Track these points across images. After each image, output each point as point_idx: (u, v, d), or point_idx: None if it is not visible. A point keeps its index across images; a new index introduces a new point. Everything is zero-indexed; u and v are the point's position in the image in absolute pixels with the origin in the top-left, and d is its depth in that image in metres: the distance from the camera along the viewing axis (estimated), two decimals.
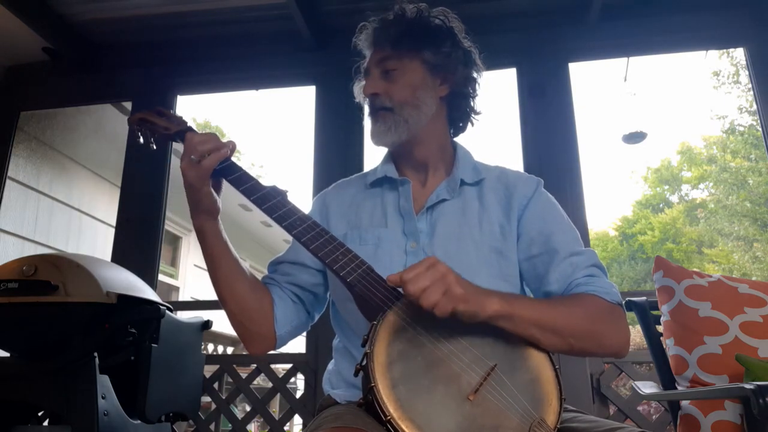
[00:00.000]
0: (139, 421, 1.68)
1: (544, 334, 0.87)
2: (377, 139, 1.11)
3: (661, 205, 20.36)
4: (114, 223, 2.66)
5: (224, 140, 0.99)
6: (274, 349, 1.11)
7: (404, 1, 1.14)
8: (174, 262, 6.57)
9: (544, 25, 2.53)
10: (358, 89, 1.18)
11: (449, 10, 1.16)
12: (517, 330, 0.86)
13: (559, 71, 2.48)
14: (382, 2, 1.17)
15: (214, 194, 0.98)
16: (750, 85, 2.78)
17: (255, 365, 2.40)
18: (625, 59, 3.45)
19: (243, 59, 2.75)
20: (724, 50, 13.41)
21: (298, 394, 2.30)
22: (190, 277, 6.58)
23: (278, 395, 2.97)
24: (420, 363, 0.81)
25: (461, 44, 1.14)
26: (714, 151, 17.38)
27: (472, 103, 1.18)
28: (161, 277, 5.13)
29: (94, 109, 3.58)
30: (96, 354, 1.58)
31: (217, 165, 0.97)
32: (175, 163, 2.70)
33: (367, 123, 1.13)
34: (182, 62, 2.78)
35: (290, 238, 1.01)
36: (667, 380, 1.40)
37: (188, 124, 1.09)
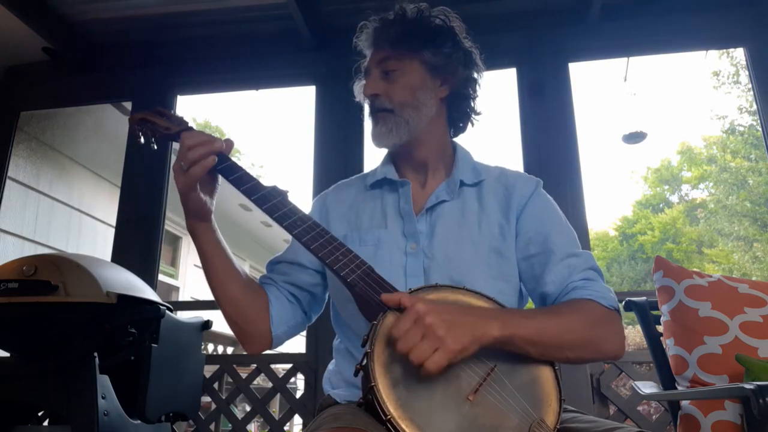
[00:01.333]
0: (139, 421, 1.68)
1: (542, 351, 0.86)
2: (378, 141, 1.11)
3: (661, 205, 20.36)
4: (114, 223, 2.66)
5: (224, 140, 0.99)
6: (271, 348, 1.11)
7: (405, 1, 1.14)
8: (174, 262, 6.57)
9: (544, 25, 2.53)
10: (358, 89, 1.18)
11: (450, 10, 1.15)
12: (515, 350, 0.85)
13: (559, 71, 2.48)
14: (383, 2, 1.17)
15: (203, 198, 0.97)
16: (750, 85, 2.78)
17: (255, 365, 2.40)
18: (625, 59, 3.45)
19: (243, 59, 2.75)
20: (724, 50, 13.41)
21: (298, 394, 2.30)
22: (190, 277, 6.58)
23: (278, 395, 2.97)
24: None
25: (462, 45, 1.14)
26: (714, 151, 17.38)
27: (472, 104, 1.18)
28: (161, 277, 5.14)
29: (94, 109, 3.58)
30: (96, 354, 1.58)
31: (218, 164, 0.97)
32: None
33: (368, 123, 1.13)
34: (182, 62, 2.78)
35: (290, 238, 1.01)
36: (667, 380, 1.40)
37: (188, 124, 1.09)
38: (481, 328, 0.80)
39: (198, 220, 0.99)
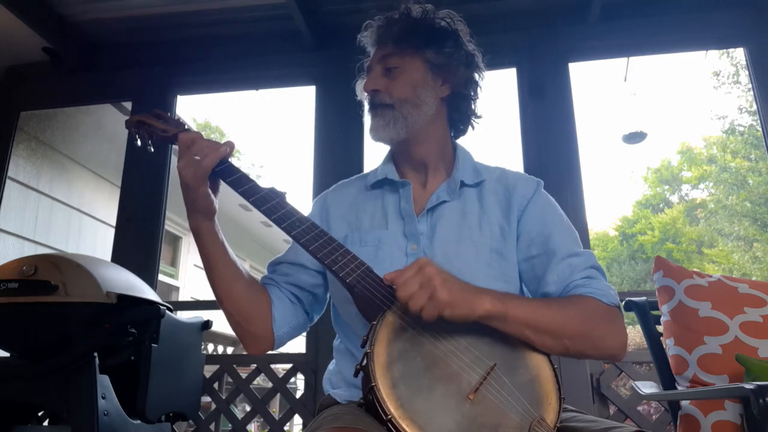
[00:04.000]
0: (139, 421, 1.68)
1: (538, 335, 0.87)
2: (375, 135, 1.11)
3: (661, 205, 20.35)
4: (114, 223, 2.66)
5: (224, 140, 1.00)
6: (273, 349, 1.11)
7: (410, 1, 1.14)
8: (174, 262, 6.57)
9: (544, 25, 2.53)
10: (360, 86, 1.18)
11: (455, 13, 1.16)
12: (510, 330, 0.86)
13: (559, 71, 2.48)
14: (383, 2, 1.17)
15: (211, 195, 0.97)
16: (750, 85, 2.78)
17: (255, 365, 2.40)
18: (625, 59, 3.45)
19: (243, 59, 2.75)
20: (724, 50, 13.42)
21: (298, 394, 2.30)
22: (190, 277, 6.58)
23: (278, 395, 2.97)
24: (420, 363, 0.81)
25: (464, 46, 1.14)
26: (714, 151, 17.38)
27: (473, 106, 1.18)
28: (161, 277, 5.14)
29: (94, 109, 3.58)
30: (96, 354, 1.58)
31: (217, 166, 0.97)
32: (174, 163, 2.70)
33: (367, 120, 1.13)
34: (182, 62, 2.78)
35: (290, 238, 1.01)
36: (667, 380, 1.40)
37: (186, 127, 1.09)
38: (475, 296, 0.83)
39: (203, 218, 0.99)
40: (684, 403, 1.34)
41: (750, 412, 0.92)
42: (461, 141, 1.22)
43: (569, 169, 2.35)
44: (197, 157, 0.94)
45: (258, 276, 1.15)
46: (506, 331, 0.86)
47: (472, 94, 1.17)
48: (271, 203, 0.97)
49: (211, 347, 4.75)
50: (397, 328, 0.84)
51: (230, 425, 2.31)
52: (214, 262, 1.01)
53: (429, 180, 1.14)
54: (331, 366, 1.15)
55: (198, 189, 0.95)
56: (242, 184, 0.99)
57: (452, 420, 0.76)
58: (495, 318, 0.84)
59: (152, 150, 1.13)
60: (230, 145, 0.99)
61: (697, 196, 19.66)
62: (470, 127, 1.21)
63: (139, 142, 1.12)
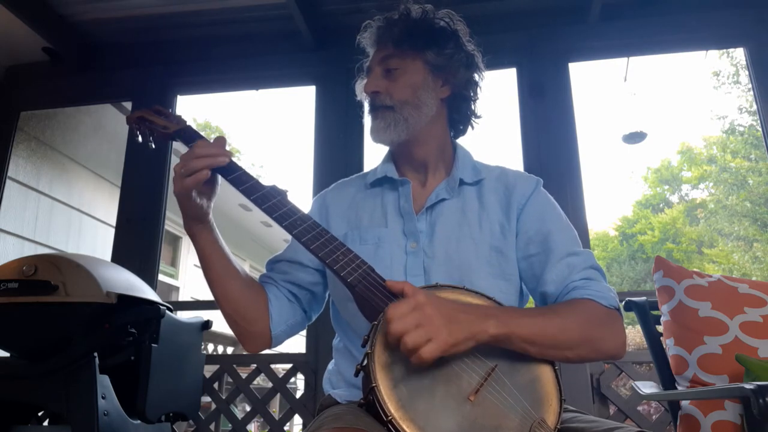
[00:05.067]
0: (139, 421, 1.68)
1: (541, 350, 0.86)
2: (376, 136, 1.11)
3: (661, 205, 20.34)
4: (114, 223, 2.66)
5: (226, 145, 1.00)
6: (270, 347, 1.11)
7: (409, 1, 1.14)
8: (174, 262, 6.57)
9: (544, 25, 2.53)
10: (359, 87, 1.18)
11: (454, 13, 1.16)
12: (514, 348, 0.85)
13: (559, 71, 2.48)
14: (383, 2, 1.17)
15: (200, 203, 0.98)
16: (750, 85, 2.78)
17: (255, 365, 2.40)
18: (625, 59, 3.45)
19: (243, 59, 2.75)
20: (724, 50, 13.42)
21: (298, 394, 2.30)
22: (190, 277, 6.58)
23: (278, 395, 2.97)
24: None
25: (464, 47, 1.14)
26: (714, 151, 17.38)
27: (473, 106, 1.18)
28: (161, 277, 5.14)
29: (94, 109, 3.58)
30: (96, 354, 1.58)
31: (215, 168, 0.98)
32: (175, 162, 2.69)
33: (367, 121, 1.13)
34: (182, 62, 2.78)
35: (290, 237, 1.01)
36: (667, 380, 1.40)
37: (187, 123, 1.09)
38: (478, 326, 0.81)
39: (195, 222, 1.00)
40: (684, 403, 1.34)
41: (750, 412, 0.92)
42: (461, 140, 1.22)
43: (569, 169, 2.35)
44: (183, 171, 0.95)
45: (257, 276, 1.15)
46: (509, 348, 0.85)
47: (472, 94, 1.17)
48: (271, 201, 0.97)
49: (211, 347, 4.75)
50: None
51: (230, 425, 2.31)
52: (210, 261, 1.02)
53: (429, 179, 1.14)
54: (330, 366, 1.15)
55: (184, 201, 0.97)
56: (243, 182, 0.99)
57: (453, 421, 0.76)
58: (499, 341, 0.83)
59: (153, 146, 1.14)
60: (219, 161, 0.97)
61: (697, 196, 19.67)
62: (470, 127, 1.21)
63: (140, 139, 1.12)
